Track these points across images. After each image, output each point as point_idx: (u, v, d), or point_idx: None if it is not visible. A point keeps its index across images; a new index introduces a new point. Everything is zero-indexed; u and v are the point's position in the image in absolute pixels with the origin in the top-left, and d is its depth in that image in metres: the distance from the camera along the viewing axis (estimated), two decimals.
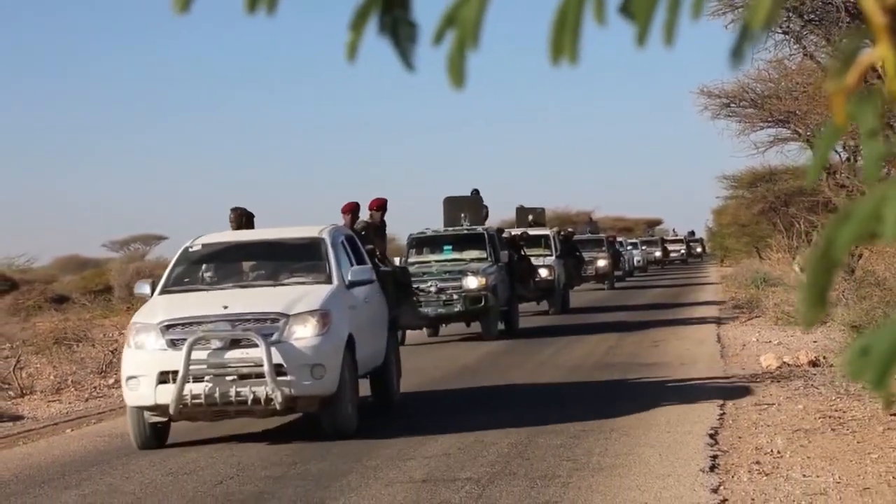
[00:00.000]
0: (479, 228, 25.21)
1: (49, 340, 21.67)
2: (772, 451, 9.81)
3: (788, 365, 15.61)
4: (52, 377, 18.84)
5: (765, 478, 8.78)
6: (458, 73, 1.46)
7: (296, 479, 9.58)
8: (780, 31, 18.13)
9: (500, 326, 24.10)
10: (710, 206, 77.11)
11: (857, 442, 10.00)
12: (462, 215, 25.82)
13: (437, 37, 1.46)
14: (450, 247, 24.67)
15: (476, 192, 26.82)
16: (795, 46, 19.04)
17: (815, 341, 18.30)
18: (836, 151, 25.62)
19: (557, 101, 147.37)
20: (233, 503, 8.85)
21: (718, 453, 9.80)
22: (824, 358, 15.82)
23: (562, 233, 36.22)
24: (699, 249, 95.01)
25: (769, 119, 27.23)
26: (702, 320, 26.02)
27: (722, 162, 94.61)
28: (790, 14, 17.44)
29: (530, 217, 34.95)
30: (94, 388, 18.25)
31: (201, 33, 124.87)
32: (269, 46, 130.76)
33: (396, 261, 23.48)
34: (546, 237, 32.85)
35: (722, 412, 12.07)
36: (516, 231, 30.95)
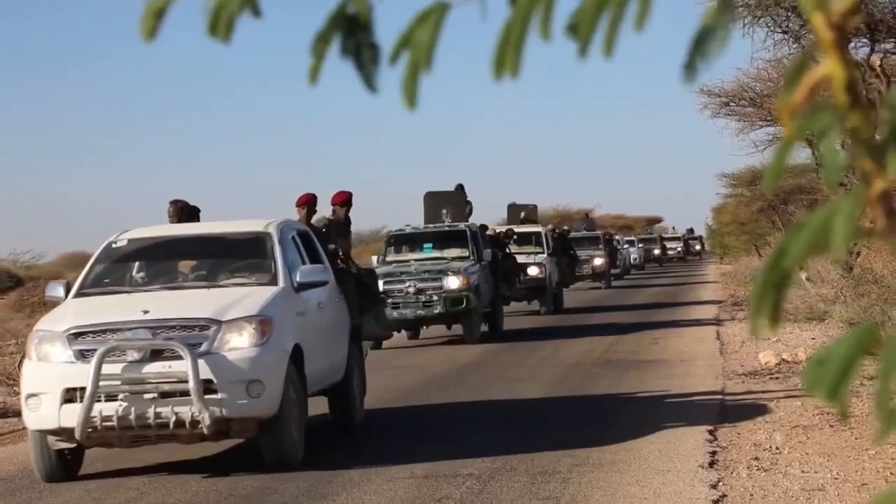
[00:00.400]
0: (461, 225, 23.72)
1: None
2: (770, 447, 9.90)
3: (787, 362, 15.70)
4: None
5: (763, 474, 8.87)
6: (410, 95, 1.45)
7: (299, 475, 9.64)
8: (779, 30, 18.20)
9: (484, 328, 22.88)
10: (710, 204, 76.77)
11: (855, 438, 10.07)
12: (444, 211, 24.44)
13: (392, 57, 1.46)
14: (430, 245, 23.31)
15: (460, 187, 25.49)
16: (794, 46, 19.11)
17: (813, 338, 18.40)
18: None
19: (558, 98, 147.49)
20: (237, 498, 8.93)
21: (717, 449, 9.90)
22: None
23: (555, 230, 34.85)
24: (698, 247, 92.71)
25: (768, 118, 27.28)
26: (700, 318, 26.08)
27: (721, 160, 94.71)
28: (789, 14, 17.50)
29: (522, 214, 33.53)
30: None
31: (201, 32, 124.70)
32: (267, 45, 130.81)
33: (374, 260, 23.10)
34: (538, 234, 31.58)
35: (721, 408, 12.16)
36: (501, 228, 29.83)
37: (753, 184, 43.50)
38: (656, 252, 76.23)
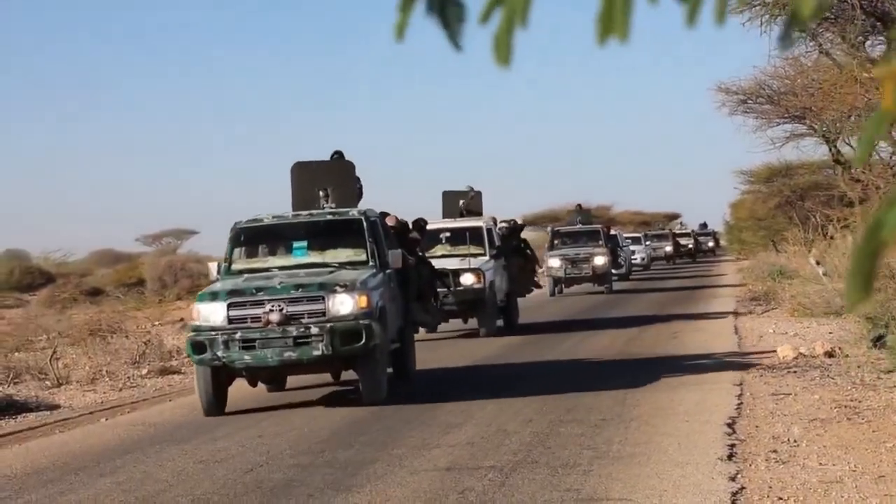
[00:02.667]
0: (353, 212, 15.00)
1: (84, 332, 21.99)
2: (788, 439, 9.98)
3: (805, 356, 15.77)
4: (87, 368, 19.17)
5: (782, 466, 8.95)
6: (505, 51, 1.43)
7: (323, 467, 9.79)
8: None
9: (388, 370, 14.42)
10: (728, 200, 75.49)
11: (873, 431, 10.17)
12: (321, 193, 15.90)
13: (483, 16, 1.43)
14: (303, 244, 14.86)
15: (339, 154, 16.38)
16: (811, 44, 19.27)
17: (830, 333, 18.48)
18: (850, 146, 25.74)
19: (574, 95, 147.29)
20: (262, 491, 9.05)
21: (736, 442, 9.97)
22: (840, 349, 16.01)
23: (501, 224, 25.87)
24: (710, 244, 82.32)
25: (785, 115, 27.45)
26: (719, 312, 26.13)
27: (739, 157, 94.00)
28: None
29: (461, 203, 25.12)
30: (128, 378, 18.58)
31: (233, 34, 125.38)
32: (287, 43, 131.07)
33: (212, 269, 14.88)
34: (476, 230, 23.55)
35: (739, 402, 12.25)
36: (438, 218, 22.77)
37: (770, 180, 43.57)
38: (667, 249, 69.04)
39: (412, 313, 16.28)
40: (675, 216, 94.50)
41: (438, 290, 18.70)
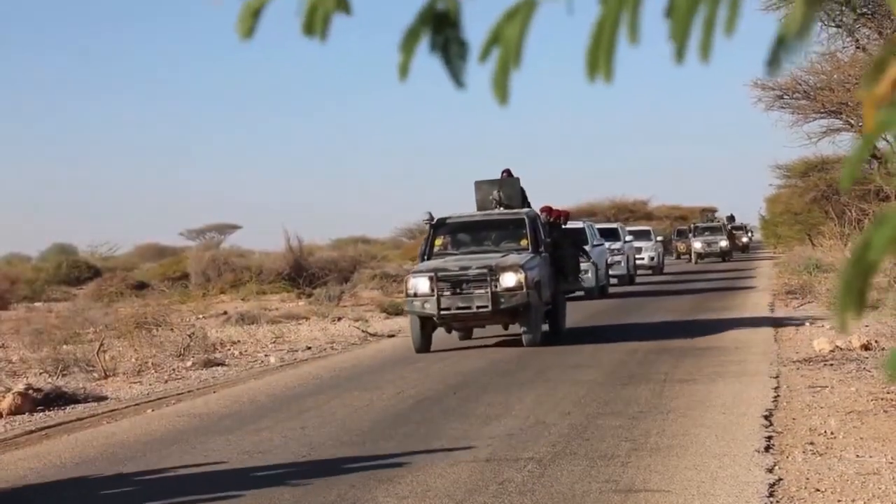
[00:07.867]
0: None
1: (130, 325, 22.07)
2: (825, 432, 10.03)
3: (841, 349, 15.79)
4: (133, 360, 19.36)
5: (819, 458, 9.00)
6: (502, 90, 1.46)
7: (365, 458, 9.88)
8: (833, 24, 18.38)
9: None
10: (764, 194, 74.04)
11: None
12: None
13: (483, 54, 1.46)
14: None
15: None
16: (848, 39, 19.28)
17: (867, 326, 18.46)
18: (886, 140, 25.71)
19: (613, 90, 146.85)
20: (305, 481, 9.18)
21: (773, 434, 10.03)
22: (876, 342, 16.03)
23: None
24: (745, 239, 69.75)
25: (822, 110, 27.46)
26: (755, 306, 26.12)
27: (775, 151, 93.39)
28: (843, 8, 17.66)
29: None
30: (173, 370, 18.70)
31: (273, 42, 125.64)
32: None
33: None
34: None
35: (776, 394, 12.30)
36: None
37: (807, 174, 43.46)
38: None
39: None
40: (712, 210, 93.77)
41: None
